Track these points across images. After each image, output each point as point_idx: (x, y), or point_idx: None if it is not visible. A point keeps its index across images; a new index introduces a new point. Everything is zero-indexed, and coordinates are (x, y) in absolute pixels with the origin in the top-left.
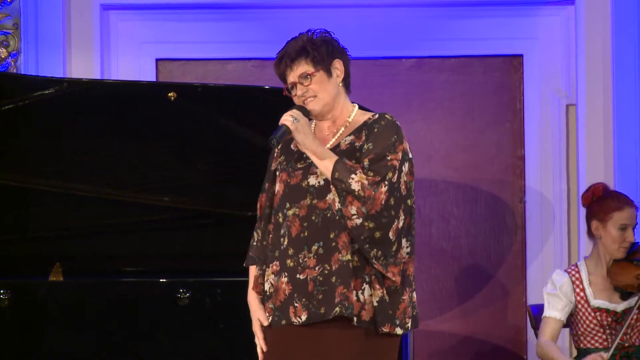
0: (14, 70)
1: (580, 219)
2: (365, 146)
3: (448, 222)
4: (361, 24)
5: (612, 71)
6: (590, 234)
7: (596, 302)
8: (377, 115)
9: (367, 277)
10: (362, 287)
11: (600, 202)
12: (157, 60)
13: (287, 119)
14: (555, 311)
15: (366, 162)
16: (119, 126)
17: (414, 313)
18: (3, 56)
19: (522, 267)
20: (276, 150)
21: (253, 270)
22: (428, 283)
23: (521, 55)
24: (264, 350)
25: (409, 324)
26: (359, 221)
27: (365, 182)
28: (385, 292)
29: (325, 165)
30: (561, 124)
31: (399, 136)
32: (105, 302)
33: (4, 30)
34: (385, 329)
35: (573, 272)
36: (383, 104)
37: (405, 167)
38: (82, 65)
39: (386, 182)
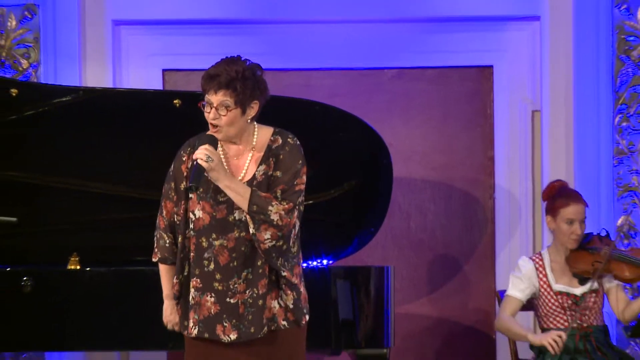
0: (35, 80)
1: (544, 214)
2: (275, 174)
3: (425, 216)
4: (348, 38)
5: (573, 81)
6: (549, 223)
7: (557, 287)
8: (279, 138)
9: (281, 286)
10: (280, 295)
11: (552, 199)
12: (164, 70)
13: (201, 158)
14: (517, 292)
15: (279, 192)
16: (129, 130)
17: (307, 298)
18: (24, 67)
19: (491, 256)
20: (184, 168)
21: (167, 270)
22: (407, 271)
23: (491, 67)
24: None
25: (309, 308)
26: (271, 244)
27: (282, 212)
28: (294, 293)
29: (241, 198)
30: (527, 128)
31: (302, 160)
32: (118, 288)
33: (25, 44)
34: (303, 322)
35: (537, 260)
36: (368, 111)
37: (304, 184)
38: (96, 75)
39: (296, 207)
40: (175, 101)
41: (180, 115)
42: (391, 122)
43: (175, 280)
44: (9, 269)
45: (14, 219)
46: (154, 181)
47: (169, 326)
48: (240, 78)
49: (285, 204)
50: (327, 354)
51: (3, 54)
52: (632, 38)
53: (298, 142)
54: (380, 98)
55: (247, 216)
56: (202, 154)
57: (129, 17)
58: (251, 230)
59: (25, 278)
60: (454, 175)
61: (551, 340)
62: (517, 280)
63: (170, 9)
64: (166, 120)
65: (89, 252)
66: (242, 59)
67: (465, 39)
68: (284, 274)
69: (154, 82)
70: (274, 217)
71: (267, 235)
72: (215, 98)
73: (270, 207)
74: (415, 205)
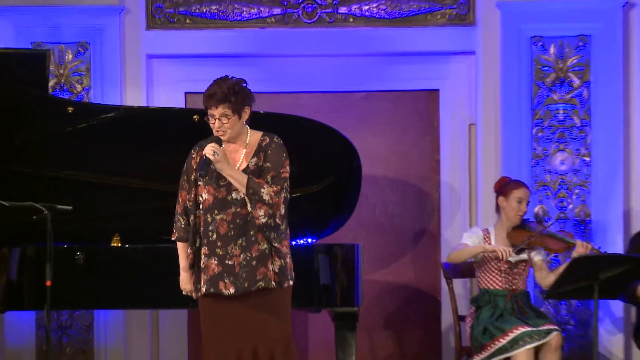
0: (86, 100)
1: (479, 203)
2: (265, 165)
3: (386, 205)
4: (327, 68)
5: (501, 101)
6: (497, 208)
7: None
8: (267, 138)
9: (272, 254)
10: (269, 261)
11: (504, 185)
12: (186, 93)
13: (209, 153)
14: (469, 242)
15: (269, 178)
16: (158, 138)
17: (292, 267)
18: (78, 90)
19: (437, 236)
20: (194, 164)
21: (183, 247)
22: (374, 249)
23: (437, 90)
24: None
25: (293, 276)
26: (265, 220)
27: (272, 193)
28: (281, 261)
29: (240, 184)
30: (465, 137)
31: (285, 154)
32: (149, 260)
33: (79, 72)
34: (286, 285)
35: (485, 232)
36: (343, 124)
37: (288, 173)
38: (133, 97)
39: (283, 190)
40: (194, 117)
41: (197, 127)
42: (361, 133)
43: (189, 251)
44: (65, 246)
45: (70, 208)
46: (177, 177)
47: (184, 292)
48: (232, 92)
49: (274, 187)
50: (311, 311)
51: (62, 80)
52: (546, 68)
53: (282, 142)
54: (352, 114)
55: (245, 197)
56: (209, 150)
57: (159, 52)
58: (249, 209)
59: (78, 253)
60: (408, 173)
61: (502, 249)
62: (470, 236)
63: (190, 45)
64: (187, 131)
65: (128, 233)
66: (229, 76)
67: (417, 69)
68: (275, 244)
69: (178, 102)
70: (266, 197)
71: (261, 212)
72: (217, 112)
73: (262, 190)
74: (379, 197)
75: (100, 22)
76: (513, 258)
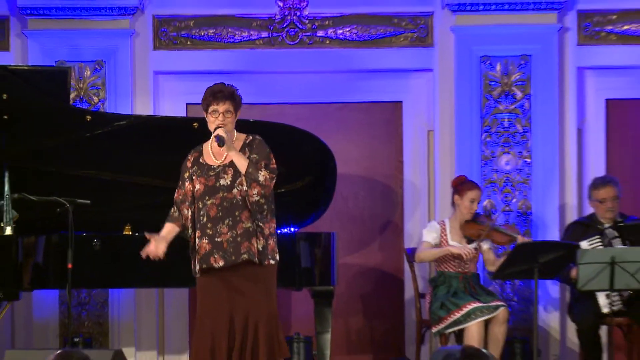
0: (102, 110)
1: (437, 198)
2: (252, 156)
3: (357, 200)
4: (308, 83)
5: (455, 111)
6: (452, 203)
7: (452, 243)
8: (250, 136)
9: (256, 233)
10: (253, 239)
11: (461, 184)
12: (187, 104)
13: (222, 132)
14: (430, 239)
15: (263, 164)
16: (163, 142)
17: (276, 250)
18: (95, 101)
19: (401, 227)
20: (189, 164)
21: (167, 225)
22: (347, 237)
23: (401, 102)
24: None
25: (277, 256)
26: (257, 198)
27: (267, 176)
28: (263, 241)
29: (242, 163)
30: (424, 142)
31: (268, 148)
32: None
33: (96, 86)
34: (266, 263)
35: (441, 224)
36: (321, 131)
37: (275, 165)
38: (142, 107)
39: (274, 177)
40: (194, 124)
41: (197, 133)
42: (337, 137)
43: (191, 236)
44: (84, 234)
45: (88, 202)
46: (179, 176)
47: (143, 254)
48: (234, 94)
49: (267, 173)
50: (294, 290)
51: (81, 93)
52: (493, 83)
53: (263, 140)
54: (329, 122)
55: (243, 177)
56: (221, 131)
57: (164, 69)
58: (244, 188)
59: (95, 240)
60: (376, 173)
61: (465, 250)
62: (429, 232)
63: (191, 63)
64: (188, 136)
65: (137, 223)
66: (226, 83)
67: (384, 84)
68: (260, 224)
69: (180, 112)
70: (261, 178)
71: (254, 191)
72: (222, 107)
73: (260, 172)
74: (351, 193)
75: (114, 44)
76: (463, 246)
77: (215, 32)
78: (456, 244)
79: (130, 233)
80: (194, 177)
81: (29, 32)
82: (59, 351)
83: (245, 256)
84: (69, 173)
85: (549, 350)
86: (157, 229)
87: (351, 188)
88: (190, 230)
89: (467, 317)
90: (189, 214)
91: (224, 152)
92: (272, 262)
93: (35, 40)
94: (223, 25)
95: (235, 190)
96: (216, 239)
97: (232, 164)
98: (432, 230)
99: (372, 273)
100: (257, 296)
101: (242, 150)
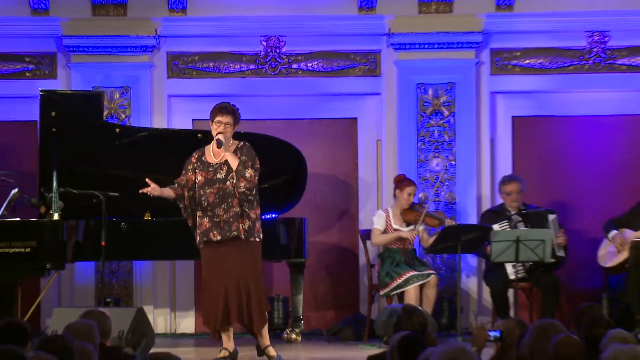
0: (128, 124)
1: (384, 192)
2: (242, 158)
3: (323, 192)
4: (284, 103)
5: (397, 125)
6: (394, 195)
7: (395, 226)
8: (241, 143)
9: (243, 217)
10: (242, 220)
11: (400, 181)
12: (193, 120)
13: (221, 137)
14: (379, 225)
15: (249, 164)
16: (174, 149)
17: (261, 231)
18: (122, 117)
19: (356, 214)
20: (193, 160)
21: (167, 189)
22: (315, 221)
23: (356, 118)
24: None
25: (261, 235)
26: (243, 189)
27: (252, 173)
28: (250, 223)
29: (234, 162)
30: (374, 149)
31: (254, 152)
32: (169, 228)
33: (123, 106)
34: (252, 240)
35: (386, 211)
36: (295, 141)
37: (259, 165)
38: (159, 122)
39: (257, 175)
40: (198, 135)
41: (201, 142)
42: (306, 146)
43: (190, 216)
44: (114, 219)
45: (117, 194)
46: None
47: (142, 191)
48: (235, 111)
49: (252, 171)
50: (275, 262)
51: (112, 111)
52: (426, 104)
53: (251, 146)
54: (301, 134)
55: (234, 173)
56: (220, 136)
57: (176, 93)
58: (234, 181)
59: (122, 224)
60: (338, 172)
61: (412, 234)
62: (378, 220)
63: (196, 89)
64: (194, 144)
65: (155, 210)
66: (230, 103)
67: (343, 104)
68: (246, 210)
69: (188, 126)
70: (248, 175)
71: (242, 184)
72: (225, 119)
73: (247, 170)
74: (318, 188)
75: (137, 74)
76: (404, 229)
77: (215, 64)
78: (399, 227)
79: (150, 218)
80: (196, 170)
81: (72, 64)
82: (86, 309)
83: (235, 233)
84: (102, 172)
85: (469, 307)
86: (170, 215)
87: (318, 184)
88: (189, 210)
89: (407, 282)
90: (187, 195)
91: (221, 152)
92: (257, 239)
93: (76, 71)
94: (220, 60)
95: (228, 182)
96: (215, 219)
97: (226, 162)
98: (380, 218)
99: (334, 249)
100: (247, 265)
101: (234, 152)
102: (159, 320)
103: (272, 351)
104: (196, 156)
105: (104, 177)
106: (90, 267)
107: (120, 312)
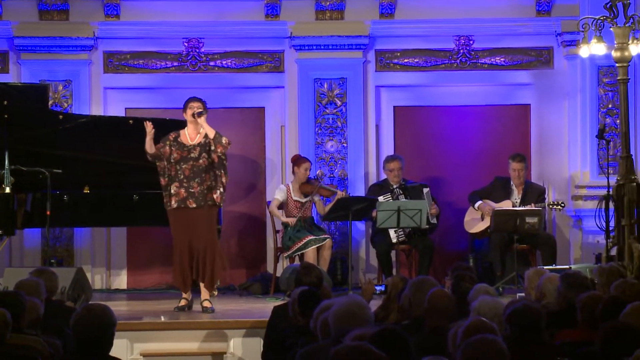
0: (70, 112)
1: (286, 169)
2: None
3: (237, 170)
4: (203, 94)
5: (298, 113)
6: (293, 171)
7: (295, 197)
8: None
9: (216, 185)
10: (215, 191)
11: (297, 159)
12: (126, 108)
13: (203, 112)
14: (279, 197)
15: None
16: (110, 132)
17: (224, 198)
18: (65, 106)
19: (264, 188)
20: (171, 138)
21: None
22: (231, 194)
23: (264, 107)
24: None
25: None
26: (219, 154)
27: (227, 140)
28: (222, 189)
29: (211, 131)
30: (279, 133)
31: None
32: (106, 200)
33: (66, 96)
34: (222, 205)
35: (287, 186)
36: (213, 126)
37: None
38: (96, 110)
39: (230, 144)
40: (129, 121)
41: (132, 127)
42: (222, 131)
43: (165, 179)
44: (58, 192)
45: (60, 171)
46: (120, 155)
47: (150, 126)
48: (203, 101)
49: (226, 138)
50: None
51: (56, 100)
52: (322, 95)
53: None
54: (218, 121)
55: (211, 140)
56: (200, 109)
57: (111, 86)
58: (212, 148)
59: (65, 196)
60: (249, 153)
61: (290, 220)
62: (280, 193)
63: (128, 82)
64: (126, 129)
65: (92, 185)
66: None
67: (253, 96)
68: (220, 176)
69: (121, 113)
70: (223, 141)
71: (219, 150)
72: (196, 104)
73: (222, 137)
74: (232, 166)
75: (77, 69)
76: (304, 199)
77: (144, 62)
78: (298, 199)
79: (88, 191)
80: (172, 148)
81: (22, 61)
82: (35, 268)
83: (210, 202)
84: (48, 152)
85: (359, 266)
86: (107, 189)
87: (231, 164)
88: (166, 177)
89: (306, 245)
90: (163, 165)
91: (197, 132)
92: (221, 204)
93: (26, 67)
94: (149, 58)
95: (201, 160)
96: (190, 190)
97: (199, 144)
98: (281, 191)
99: (245, 217)
100: (210, 228)
101: (206, 135)
102: (96, 278)
103: (209, 303)
104: (173, 136)
105: (49, 157)
106: (37, 233)
107: (63, 271)
